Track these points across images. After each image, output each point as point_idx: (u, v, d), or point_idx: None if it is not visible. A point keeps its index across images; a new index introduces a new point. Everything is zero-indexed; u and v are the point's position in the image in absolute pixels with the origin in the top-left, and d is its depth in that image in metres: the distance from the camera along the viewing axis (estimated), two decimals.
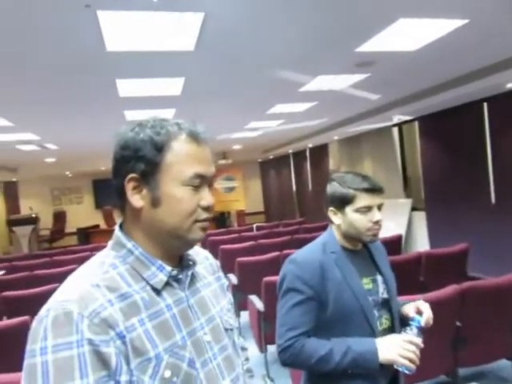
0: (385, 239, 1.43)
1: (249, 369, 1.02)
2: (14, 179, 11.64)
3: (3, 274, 4.92)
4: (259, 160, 13.70)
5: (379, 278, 1.38)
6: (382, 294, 1.36)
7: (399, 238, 4.70)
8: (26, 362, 0.64)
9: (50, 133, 5.54)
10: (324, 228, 1.42)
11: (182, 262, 0.84)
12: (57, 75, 3.10)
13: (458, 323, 2.38)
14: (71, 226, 11.79)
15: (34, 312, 0.68)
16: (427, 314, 1.28)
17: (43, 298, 0.71)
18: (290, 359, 1.29)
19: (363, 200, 1.31)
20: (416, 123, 6.09)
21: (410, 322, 1.25)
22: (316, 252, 1.35)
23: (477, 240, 4.40)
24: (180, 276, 0.81)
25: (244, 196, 12.96)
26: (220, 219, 10.86)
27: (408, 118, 6.09)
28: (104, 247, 0.82)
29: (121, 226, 0.82)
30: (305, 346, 1.27)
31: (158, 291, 0.76)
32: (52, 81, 3.24)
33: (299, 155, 10.83)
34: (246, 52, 2.98)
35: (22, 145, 6.06)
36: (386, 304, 1.36)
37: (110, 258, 0.77)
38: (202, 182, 0.79)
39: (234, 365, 0.85)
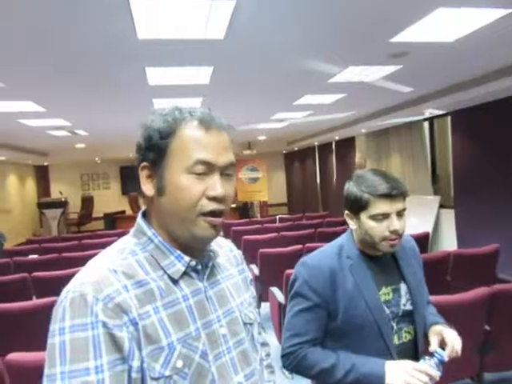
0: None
1: (269, 364, 1.01)
2: (46, 163, 12.02)
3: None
4: (284, 151, 13.62)
5: (403, 286, 1.25)
6: (405, 305, 1.23)
7: (426, 235, 4.59)
8: (48, 342, 0.66)
9: (81, 119, 5.67)
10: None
11: (202, 253, 0.83)
12: (88, 62, 3.14)
13: (486, 327, 2.30)
14: (98, 210, 12.10)
15: None
16: (451, 347, 1.14)
17: (71, 279, 0.72)
18: (291, 365, 1.25)
19: (379, 206, 1.16)
20: (449, 118, 5.88)
21: (434, 354, 1.13)
22: (330, 256, 1.25)
23: (508, 241, 4.24)
24: (199, 267, 0.80)
25: (267, 187, 12.94)
26: (243, 209, 10.88)
27: (441, 112, 5.88)
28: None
29: (144, 214, 0.82)
30: (307, 356, 1.21)
31: (175, 281, 0.76)
32: (83, 68, 3.29)
33: (325, 148, 10.68)
34: (276, 41, 2.93)
35: (54, 130, 6.23)
36: (408, 316, 1.23)
37: (131, 244, 0.78)
38: (209, 169, 0.75)
39: (250, 360, 0.83)
